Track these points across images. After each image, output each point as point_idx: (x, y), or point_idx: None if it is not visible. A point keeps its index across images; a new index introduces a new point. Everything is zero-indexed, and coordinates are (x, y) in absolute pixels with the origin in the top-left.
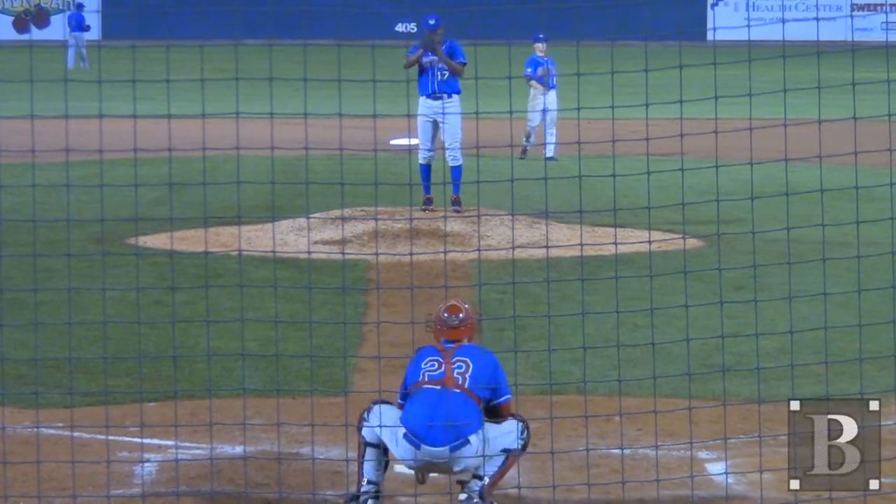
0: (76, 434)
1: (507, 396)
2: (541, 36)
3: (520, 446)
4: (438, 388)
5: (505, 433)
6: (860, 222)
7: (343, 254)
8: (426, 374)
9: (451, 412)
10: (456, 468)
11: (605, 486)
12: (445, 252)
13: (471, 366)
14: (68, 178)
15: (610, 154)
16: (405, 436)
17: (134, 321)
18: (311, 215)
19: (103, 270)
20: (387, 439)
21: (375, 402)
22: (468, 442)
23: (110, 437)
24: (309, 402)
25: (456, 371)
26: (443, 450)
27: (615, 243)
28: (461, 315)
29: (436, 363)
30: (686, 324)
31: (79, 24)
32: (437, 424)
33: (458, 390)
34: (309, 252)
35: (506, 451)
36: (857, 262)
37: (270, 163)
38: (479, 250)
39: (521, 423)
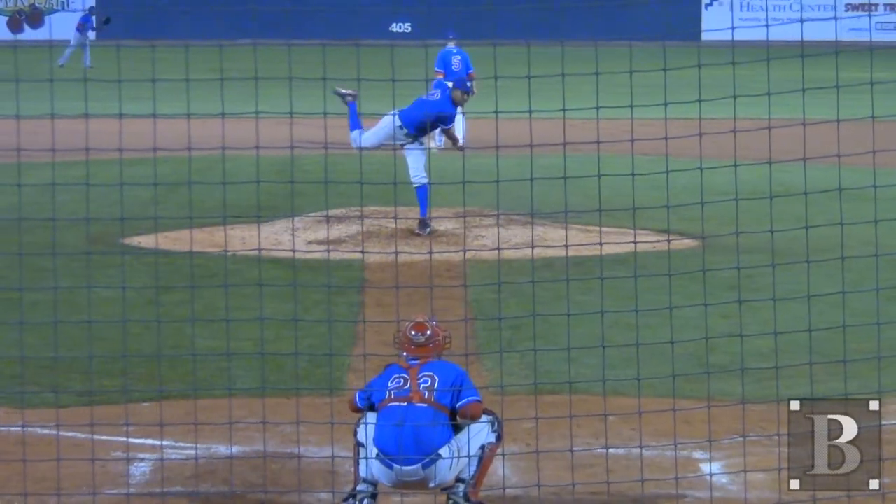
0: (75, 434)
1: (474, 398)
2: (451, 35)
3: (494, 439)
4: (404, 404)
5: (477, 433)
6: (858, 223)
7: (334, 252)
8: (392, 391)
9: (418, 428)
10: (432, 484)
11: (600, 485)
12: (430, 253)
13: (437, 379)
14: (54, 177)
15: (607, 153)
16: (377, 456)
17: (128, 321)
18: (305, 215)
19: (88, 270)
20: (367, 451)
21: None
22: (439, 456)
23: (103, 437)
24: (302, 402)
25: (422, 385)
26: (415, 468)
27: (603, 243)
28: (428, 332)
29: (402, 380)
30: (684, 324)
31: (83, 26)
32: (405, 442)
33: (424, 404)
34: (302, 252)
35: (482, 447)
36: (847, 262)
37: (265, 162)
38: (472, 250)
39: (491, 417)
